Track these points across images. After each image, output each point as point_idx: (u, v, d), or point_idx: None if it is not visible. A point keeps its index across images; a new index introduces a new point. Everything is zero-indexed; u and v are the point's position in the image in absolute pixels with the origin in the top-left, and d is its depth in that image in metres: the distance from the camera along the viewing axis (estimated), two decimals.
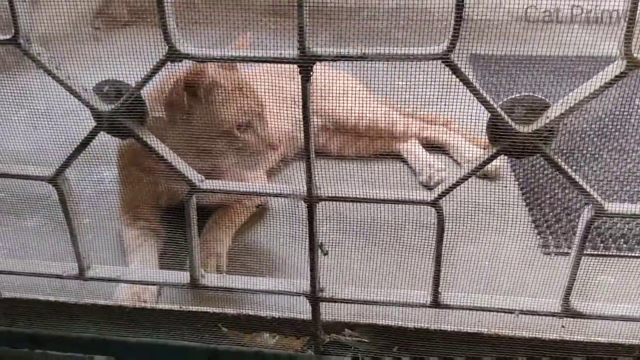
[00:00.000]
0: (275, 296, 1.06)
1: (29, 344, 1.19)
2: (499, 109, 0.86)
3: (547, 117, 0.86)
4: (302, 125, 2.03)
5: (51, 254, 1.52)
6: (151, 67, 0.91)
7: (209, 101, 1.39)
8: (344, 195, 0.96)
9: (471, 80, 0.84)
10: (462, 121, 2.23)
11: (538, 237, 1.62)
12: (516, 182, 1.89)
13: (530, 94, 0.89)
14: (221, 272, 1.44)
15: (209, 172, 1.23)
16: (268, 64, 1.98)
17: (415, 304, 1.01)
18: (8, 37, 0.92)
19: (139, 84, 0.93)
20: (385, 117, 2.10)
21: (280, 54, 0.87)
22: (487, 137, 0.91)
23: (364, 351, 1.09)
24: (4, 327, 1.20)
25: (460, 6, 0.80)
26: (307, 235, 0.99)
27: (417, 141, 2.11)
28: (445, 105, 2.43)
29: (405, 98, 2.37)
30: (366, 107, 2.11)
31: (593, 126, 2.17)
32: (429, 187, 1.89)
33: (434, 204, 0.93)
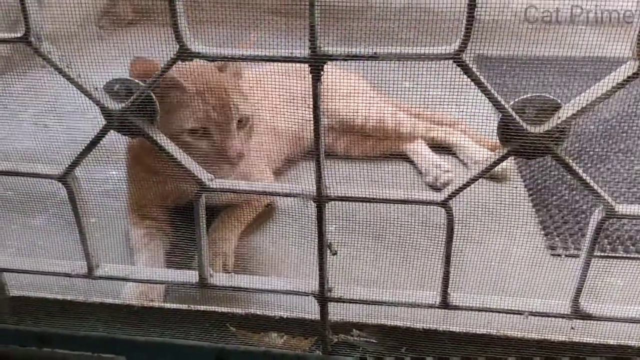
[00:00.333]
0: (283, 296, 1.06)
1: (37, 343, 1.19)
2: (510, 110, 0.86)
3: (559, 118, 0.86)
4: (309, 125, 2.03)
5: (58, 252, 1.52)
6: (162, 66, 0.91)
7: (165, 100, 1.33)
8: (353, 195, 0.96)
9: (482, 80, 0.84)
10: (469, 122, 2.23)
11: (545, 238, 1.62)
12: (523, 184, 1.88)
13: (541, 94, 0.89)
14: (228, 271, 1.44)
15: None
16: (275, 64, 1.99)
17: (424, 304, 1.00)
18: (19, 35, 0.92)
19: (149, 83, 0.93)
20: (392, 118, 2.10)
21: (291, 53, 0.87)
22: (497, 137, 0.90)
23: (372, 351, 1.08)
24: (11, 325, 1.20)
25: (472, 6, 0.80)
26: (316, 235, 0.99)
27: (423, 142, 2.10)
28: (451, 106, 2.43)
29: (411, 99, 2.38)
30: (373, 107, 2.11)
31: (600, 127, 2.17)
32: (435, 188, 1.89)
33: (444, 204, 0.93)
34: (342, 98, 2.13)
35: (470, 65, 0.84)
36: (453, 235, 0.95)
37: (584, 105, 0.85)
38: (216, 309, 1.14)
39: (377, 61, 0.85)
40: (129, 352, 1.14)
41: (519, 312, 0.98)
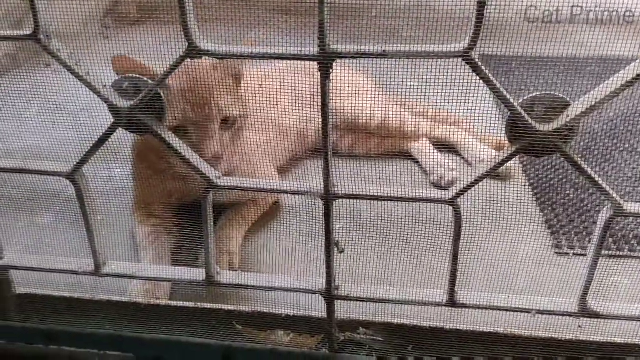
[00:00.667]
0: (289, 294, 1.06)
1: (44, 340, 1.19)
2: (519, 108, 0.86)
3: (568, 116, 0.86)
4: (313, 124, 2.03)
5: (65, 250, 1.53)
6: (170, 63, 0.91)
7: None
8: (361, 193, 0.96)
9: (491, 78, 0.84)
10: (472, 121, 2.23)
11: (551, 237, 1.61)
12: (527, 183, 1.88)
13: (550, 92, 0.89)
14: (234, 269, 1.44)
15: None
16: (280, 63, 1.98)
17: (431, 302, 1.00)
18: (28, 33, 0.92)
19: (158, 81, 0.94)
20: (396, 116, 2.10)
21: (300, 50, 0.87)
22: (505, 136, 0.90)
23: (378, 350, 1.08)
24: (18, 323, 1.20)
25: (481, 4, 0.80)
26: (323, 232, 0.99)
27: (427, 140, 2.10)
28: (454, 104, 2.43)
29: (415, 97, 2.37)
30: (377, 106, 2.11)
31: (604, 127, 2.17)
32: (440, 187, 1.89)
33: (452, 202, 0.93)
34: (346, 96, 2.13)
35: (480, 64, 0.84)
36: (461, 233, 0.95)
37: (593, 103, 0.85)
38: (223, 307, 1.14)
39: (385, 59, 0.85)
40: (136, 349, 1.14)
41: (527, 311, 0.98)
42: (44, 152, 1.92)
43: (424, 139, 2.10)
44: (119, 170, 1.92)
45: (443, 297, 1.00)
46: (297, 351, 1.09)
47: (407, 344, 1.08)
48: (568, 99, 0.88)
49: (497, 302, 0.99)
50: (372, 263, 1.39)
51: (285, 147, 1.98)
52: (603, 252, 0.96)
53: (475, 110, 2.49)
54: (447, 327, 1.07)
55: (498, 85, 0.85)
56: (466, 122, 2.23)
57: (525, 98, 0.88)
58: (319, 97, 2.29)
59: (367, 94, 2.15)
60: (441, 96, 2.50)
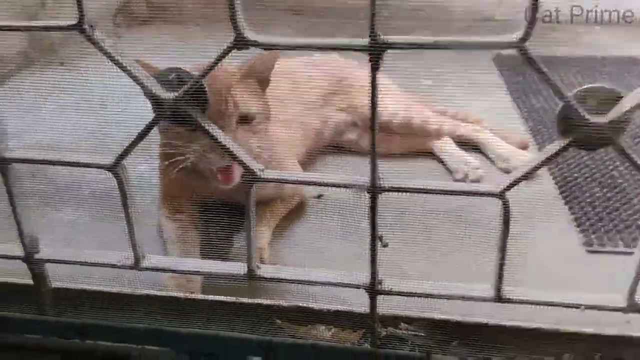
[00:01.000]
0: (330, 288, 1.05)
1: (79, 334, 1.18)
2: (572, 100, 0.85)
3: (622, 108, 0.85)
4: (330, 122, 2.02)
5: (99, 244, 1.53)
6: (217, 55, 0.90)
7: None
8: (407, 186, 0.95)
9: (544, 69, 0.83)
10: (491, 120, 2.23)
11: (580, 235, 1.61)
12: (553, 180, 1.87)
13: (602, 84, 0.88)
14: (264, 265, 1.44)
15: None
16: (304, 64, 1.97)
17: (477, 297, 0.99)
18: (73, 22, 0.91)
19: (203, 72, 0.93)
20: (418, 115, 2.10)
21: (351, 41, 0.86)
22: (557, 128, 0.89)
23: (420, 345, 1.07)
24: (53, 317, 1.20)
25: None
26: (369, 226, 0.98)
27: (450, 139, 2.10)
28: (474, 104, 2.41)
29: (433, 97, 2.36)
30: (399, 104, 2.10)
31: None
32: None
33: (501, 195, 0.92)
34: (367, 94, 2.12)
35: (533, 54, 0.83)
36: (509, 227, 0.94)
37: None
38: (262, 302, 1.13)
39: (436, 50, 0.84)
40: (175, 344, 1.13)
41: (576, 306, 0.96)
42: (62, 148, 1.92)
43: (447, 137, 2.10)
44: (143, 167, 1.91)
45: (490, 292, 0.99)
46: (340, 346, 1.08)
47: (451, 340, 1.07)
48: (621, 92, 0.88)
49: (545, 298, 0.98)
50: (414, 258, 1.38)
51: (304, 143, 1.98)
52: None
53: (494, 109, 2.48)
54: (491, 322, 1.06)
55: (551, 77, 0.84)
56: (485, 122, 2.22)
57: (578, 90, 0.87)
58: (335, 97, 2.28)
59: (389, 93, 2.14)
60: (461, 96, 2.50)
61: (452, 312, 1.10)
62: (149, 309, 1.18)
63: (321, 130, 2.05)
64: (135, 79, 0.94)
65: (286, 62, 1.75)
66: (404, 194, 0.97)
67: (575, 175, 1.89)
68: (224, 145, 0.97)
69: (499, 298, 0.98)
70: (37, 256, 1.13)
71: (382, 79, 2.24)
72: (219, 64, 0.91)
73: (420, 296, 1.00)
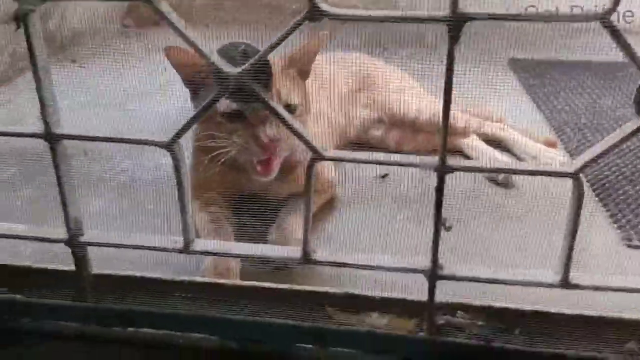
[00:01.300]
0: (383, 274, 1.02)
1: (121, 321, 1.14)
2: None
3: None
4: (355, 121, 2.00)
5: (141, 227, 1.50)
6: (288, 27, 0.88)
7: (205, 82, 1.31)
8: (476, 165, 0.93)
9: (629, 43, 0.81)
10: (514, 118, 2.23)
11: (618, 231, 1.59)
12: (585, 180, 1.86)
13: None
14: None
15: None
16: (336, 64, 1.94)
17: (542, 283, 0.97)
18: None
19: (271, 46, 0.90)
20: None
21: (429, 14, 0.84)
22: (635, 109, 0.87)
23: (478, 334, 1.04)
24: (92, 304, 1.16)
25: None
26: (433, 208, 0.95)
27: (477, 137, 2.08)
28: (497, 102, 2.40)
29: (459, 95, 2.36)
30: (425, 101, 2.09)
31: None
32: (495, 183, 1.86)
33: (575, 175, 0.89)
34: (394, 91, 2.11)
35: (618, 27, 0.81)
36: (581, 209, 0.92)
37: None
38: (313, 289, 1.10)
39: (520, 22, 0.82)
40: (220, 331, 1.09)
41: None
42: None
43: (474, 135, 2.08)
44: (164, 160, 1.89)
45: (555, 277, 0.96)
46: (395, 334, 1.04)
47: (508, 328, 1.05)
48: None
49: (613, 283, 0.96)
50: (474, 242, 1.36)
51: (330, 139, 1.96)
52: None
53: (517, 110, 2.47)
54: (552, 310, 1.04)
55: (636, 52, 0.82)
56: (509, 120, 2.22)
57: None
58: (360, 94, 2.25)
59: (414, 90, 2.13)
60: (484, 94, 2.48)
61: (505, 299, 1.07)
62: (193, 295, 1.15)
63: (347, 127, 2.04)
64: (200, 51, 0.91)
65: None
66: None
67: (606, 173, 1.88)
68: (289, 124, 0.94)
69: (567, 284, 0.96)
70: (81, 239, 1.09)
71: (406, 76, 2.22)
72: (288, 38, 0.89)
73: (485, 282, 0.97)
